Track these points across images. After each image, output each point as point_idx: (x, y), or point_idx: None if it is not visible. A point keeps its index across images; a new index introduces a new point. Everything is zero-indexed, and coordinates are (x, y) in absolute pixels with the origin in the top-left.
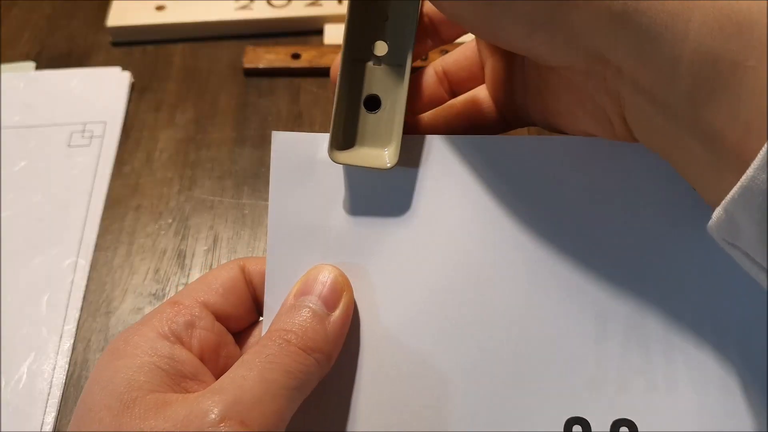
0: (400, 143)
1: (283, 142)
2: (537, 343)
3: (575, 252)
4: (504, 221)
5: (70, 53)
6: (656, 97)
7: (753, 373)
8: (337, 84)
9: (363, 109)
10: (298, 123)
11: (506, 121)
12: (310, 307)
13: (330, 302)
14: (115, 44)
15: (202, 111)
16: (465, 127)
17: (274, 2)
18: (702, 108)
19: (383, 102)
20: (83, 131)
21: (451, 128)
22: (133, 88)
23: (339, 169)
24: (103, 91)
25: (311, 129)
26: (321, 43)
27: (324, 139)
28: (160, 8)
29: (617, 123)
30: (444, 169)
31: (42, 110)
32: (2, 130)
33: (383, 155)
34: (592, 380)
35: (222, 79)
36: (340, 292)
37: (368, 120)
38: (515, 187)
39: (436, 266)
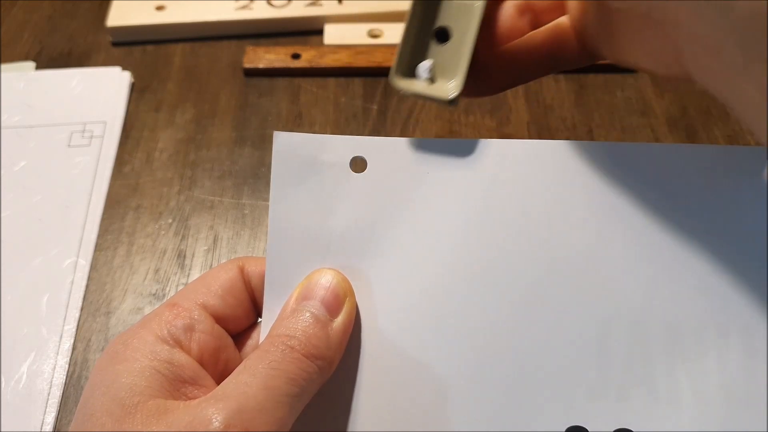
0: (465, 77)
1: (285, 143)
2: (538, 351)
3: (578, 259)
4: (505, 226)
5: (70, 53)
6: (711, 48)
7: (756, 385)
8: (408, 14)
9: (432, 42)
10: (298, 123)
11: (588, 54)
12: (312, 312)
13: (332, 307)
14: (115, 44)
15: (202, 111)
16: (545, 59)
17: (274, 2)
18: (755, 62)
19: (453, 35)
20: (83, 131)
21: (531, 60)
22: (133, 88)
23: (341, 171)
24: (103, 91)
25: (311, 129)
26: (321, 43)
27: (326, 140)
28: (160, 8)
29: (674, 66)
30: (446, 172)
31: (42, 110)
32: (2, 130)
33: (446, 87)
34: (594, 389)
35: (222, 79)
36: (343, 297)
37: (436, 52)
38: (516, 191)
39: (437, 271)
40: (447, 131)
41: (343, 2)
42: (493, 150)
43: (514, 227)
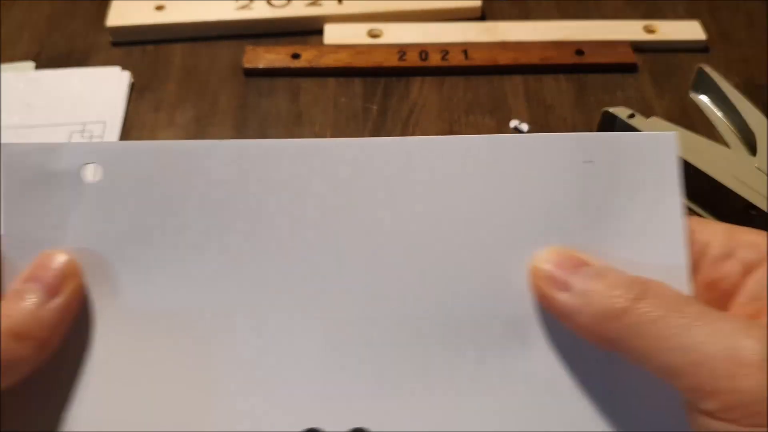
0: None
1: (13, 154)
2: (291, 352)
3: (353, 257)
4: (253, 223)
5: (70, 53)
6: None
7: (522, 381)
8: None
9: None
10: (298, 123)
11: None
12: (30, 292)
13: (53, 288)
14: (115, 44)
15: (202, 111)
16: None
17: (274, 2)
18: None
19: None
20: (83, 131)
21: None
22: (133, 88)
23: (71, 181)
24: (103, 91)
25: (311, 129)
26: (321, 43)
27: (57, 148)
28: (160, 8)
29: None
30: (203, 177)
31: (42, 110)
32: (2, 130)
33: None
34: (351, 388)
35: (222, 79)
36: (64, 278)
37: None
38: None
39: (196, 281)
40: (447, 131)
41: (343, 2)
42: (236, 152)
43: (255, 225)
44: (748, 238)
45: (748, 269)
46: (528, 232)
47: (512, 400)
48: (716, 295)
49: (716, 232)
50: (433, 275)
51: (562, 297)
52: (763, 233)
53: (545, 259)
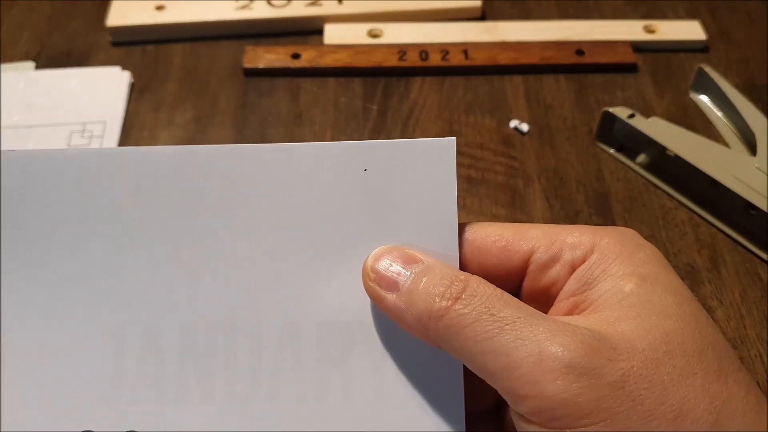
0: None
1: None
2: (59, 357)
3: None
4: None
5: (70, 53)
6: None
7: (260, 383)
8: None
9: None
10: (297, 123)
11: None
12: None
13: None
14: (115, 44)
15: (202, 111)
16: None
17: (274, 2)
18: None
19: None
20: (83, 131)
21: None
22: (133, 88)
23: None
24: (103, 91)
25: (311, 129)
26: (321, 43)
27: None
28: (160, 8)
29: None
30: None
31: (42, 110)
32: (2, 130)
33: None
34: (106, 394)
35: (222, 79)
36: None
37: None
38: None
39: None
40: (447, 131)
41: (343, 2)
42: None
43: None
44: (570, 238)
45: (574, 270)
46: (314, 240)
47: (341, 406)
48: (546, 302)
49: (539, 238)
50: (243, 284)
51: (390, 297)
52: (584, 229)
53: (376, 257)
